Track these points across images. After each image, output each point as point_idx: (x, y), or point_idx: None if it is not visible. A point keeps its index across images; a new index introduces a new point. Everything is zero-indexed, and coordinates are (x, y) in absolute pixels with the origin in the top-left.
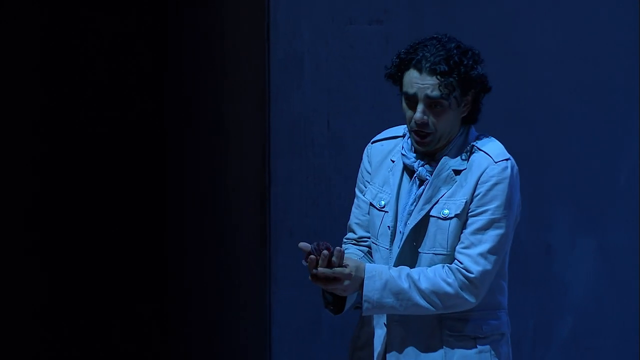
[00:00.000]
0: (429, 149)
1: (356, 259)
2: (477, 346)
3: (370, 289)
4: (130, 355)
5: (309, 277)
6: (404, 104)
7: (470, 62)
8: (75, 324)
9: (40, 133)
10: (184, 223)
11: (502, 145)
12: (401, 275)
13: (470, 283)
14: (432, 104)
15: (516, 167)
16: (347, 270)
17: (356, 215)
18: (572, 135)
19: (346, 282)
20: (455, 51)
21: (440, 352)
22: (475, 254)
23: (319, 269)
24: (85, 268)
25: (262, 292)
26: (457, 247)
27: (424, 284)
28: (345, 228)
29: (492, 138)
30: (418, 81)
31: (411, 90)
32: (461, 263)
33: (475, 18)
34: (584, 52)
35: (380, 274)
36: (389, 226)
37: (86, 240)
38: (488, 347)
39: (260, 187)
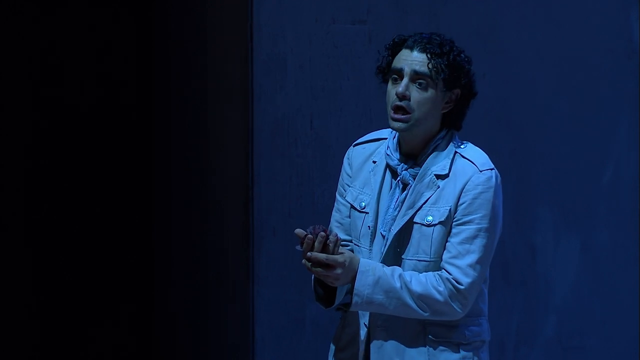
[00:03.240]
0: (405, 129)
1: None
2: (461, 352)
3: (362, 284)
4: (115, 355)
5: (303, 262)
6: (389, 86)
7: (462, 55)
8: (60, 323)
9: (26, 131)
10: (169, 222)
11: (485, 154)
12: (394, 275)
13: (459, 294)
14: (416, 78)
15: (499, 177)
16: (341, 259)
17: (336, 219)
18: (557, 136)
19: (339, 271)
20: (448, 42)
21: (424, 357)
22: (464, 265)
23: (314, 253)
24: (71, 266)
25: (245, 291)
26: (445, 257)
27: (415, 287)
28: (328, 227)
29: (475, 146)
30: (407, 57)
31: (399, 65)
32: (450, 274)
33: (459, 18)
34: (569, 52)
35: (374, 270)
36: (369, 226)
37: (72, 239)
38: (471, 353)
39: (244, 187)
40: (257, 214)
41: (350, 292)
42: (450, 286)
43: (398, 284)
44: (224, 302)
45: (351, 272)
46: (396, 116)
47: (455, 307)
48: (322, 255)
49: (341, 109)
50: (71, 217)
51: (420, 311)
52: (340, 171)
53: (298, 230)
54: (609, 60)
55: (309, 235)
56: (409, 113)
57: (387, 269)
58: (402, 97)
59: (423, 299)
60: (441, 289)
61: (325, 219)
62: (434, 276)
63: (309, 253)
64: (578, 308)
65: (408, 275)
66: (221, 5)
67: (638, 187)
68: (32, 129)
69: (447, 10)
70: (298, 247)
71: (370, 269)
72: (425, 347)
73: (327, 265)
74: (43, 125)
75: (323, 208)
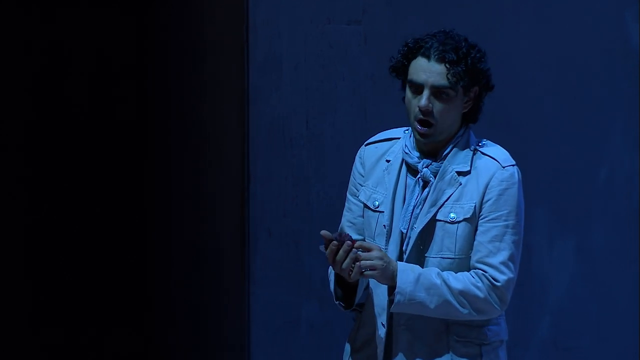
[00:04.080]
0: (430, 141)
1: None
2: (482, 353)
3: (404, 281)
4: (113, 355)
5: (331, 265)
6: (408, 94)
7: (478, 55)
8: (59, 323)
9: (25, 131)
10: (166, 223)
11: (505, 150)
12: (432, 273)
13: (497, 289)
14: (438, 92)
15: (520, 173)
16: (375, 246)
17: (348, 219)
18: (552, 136)
19: (376, 252)
20: (463, 43)
21: (447, 357)
22: (497, 263)
23: (358, 242)
24: (69, 267)
25: (240, 292)
26: (477, 257)
27: (454, 284)
28: (324, 227)
29: (494, 143)
30: (425, 69)
31: (418, 78)
32: (485, 272)
33: (455, 18)
34: (564, 52)
35: (413, 268)
36: (384, 225)
37: (71, 239)
38: (492, 353)
39: (239, 187)
40: (252, 214)
41: (388, 293)
42: (488, 282)
43: (438, 281)
44: (220, 303)
45: (390, 267)
46: (422, 130)
47: (494, 303)
48: (365, 243)
49: (336, 109)
50: (70, 218)
51: (461, 308)
52: (351, 171)
53: (324, 232)
54: (604, 61)
55: (334, 242)
56: (433, 123)
57: (425, 269)
58: (426, 111)
59: (463, 295)
60: (480, 285)
61: (320, 219)
62: (470, 274)
63: (357, 243)
64: (573, 309)
65: (445, 273)
66: (217, 6)
67: (635, 187)
68: (30, 128)
69: (443, 11)
70: (322, 248)
71: (409, 267)
72: (448, 346)
73: (368, 249)
74: (41, 124)
75: (318, 208)
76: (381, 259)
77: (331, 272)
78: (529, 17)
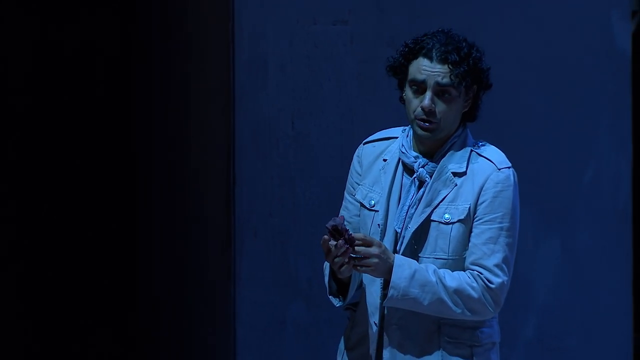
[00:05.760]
0: (431, 137)
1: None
2: (473, 355)
3: (399, 277)
4: (97, 356)
5: (325, 254)
6: (409, 94)
7: (478, 55)
8: (44, 326)
9: (10, 131)
10: (151, 224)
11: (502, 152)
12: (428, 269)
13: (492, 291)
14: (441, 91)
15: (516, 175)
16: (376, 240)
17: (344, 217)
18: (538, 136)
19: (375, 250)
20: (464, 43)
21: (438, 357)
22: (491, 266)
23: (355, 234)
24: (54, 270)
25: (226, 293)
26: (471, 259)
27: (449, 282)
28: (309, 227)
29: (491, 145)
30: (428, 68)
31: (420, 77)
32: (481, 274)
33: (441, 18)
34: (550, 52)
35: (410, 264)
36: (379, 224)
37: (54, 243)
38: (483, 355)
39: (225, 188)
40: (238, 215)
41: (383, 286)
42: (482, 283)
43: (433, 279)
44: (205, 304)
45: (387, 262)
46: (424, 125)
47: (488, 305)
48: (359, 235)
49: (322, 110)
50: (53, 225)
51: (454, 307)
52: (349, 170)
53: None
54: (590, 60)
55: (326, 236)
56: (435, 122)
57: (422, 265)
58: (429, 112)
59: (458, 294)
60: (475, 285)
61: (306, 219)
62: (466, 274)
63: (357, 235)
64: (559, 309)
65: (442, 271)
66: (202, 6)
67: (621, 187)
68: (14, 128)
69: (429, 11)
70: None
71: (406, 262)
72: (439, 347)
73: (365, 243)
74: (24, 125)
75: (304, 208)
76: (378, 256)
77: (326, 265)
78: (515, 16)
